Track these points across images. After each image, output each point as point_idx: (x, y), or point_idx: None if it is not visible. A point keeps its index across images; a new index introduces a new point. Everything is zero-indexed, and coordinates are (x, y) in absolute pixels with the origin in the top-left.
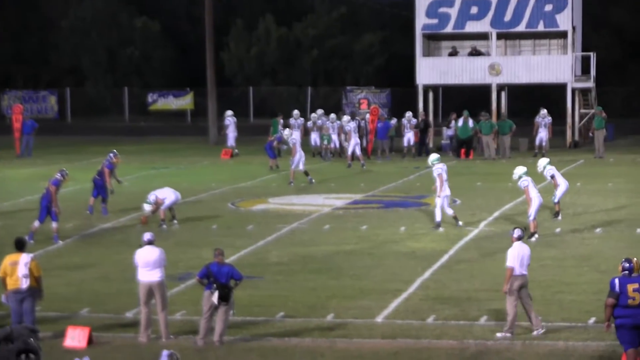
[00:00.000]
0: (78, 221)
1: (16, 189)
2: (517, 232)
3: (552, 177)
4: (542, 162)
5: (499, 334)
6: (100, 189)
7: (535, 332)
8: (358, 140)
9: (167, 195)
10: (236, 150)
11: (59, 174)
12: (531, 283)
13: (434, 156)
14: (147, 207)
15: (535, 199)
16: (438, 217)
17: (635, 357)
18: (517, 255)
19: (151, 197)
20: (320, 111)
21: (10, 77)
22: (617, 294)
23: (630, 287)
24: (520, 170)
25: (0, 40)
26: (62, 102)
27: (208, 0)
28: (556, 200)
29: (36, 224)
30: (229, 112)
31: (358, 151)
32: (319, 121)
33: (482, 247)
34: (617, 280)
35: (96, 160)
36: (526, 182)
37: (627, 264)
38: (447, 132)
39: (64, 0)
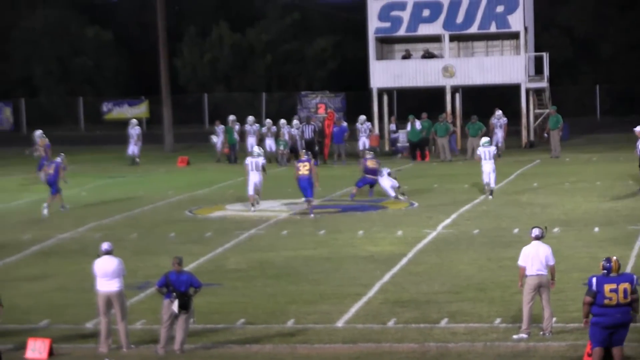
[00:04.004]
0: (35, 232)
1: None
2: (534, 232)
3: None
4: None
5: (515, 336)
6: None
7: (540, 333)
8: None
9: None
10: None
11: (59, 158)
12: (490, 284)
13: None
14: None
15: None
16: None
17: (601, 356)
18: (529, 255)
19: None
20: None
21: None
22: (594, 292)
23: (607, 287)
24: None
25: None
26: (17, 113)
27: (160, 6)
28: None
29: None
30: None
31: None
32: (274, 127)
33: (441, 250)
34: (594, 280)
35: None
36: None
37: (607, 264)
38: (394, 135)
39: (14, 10)
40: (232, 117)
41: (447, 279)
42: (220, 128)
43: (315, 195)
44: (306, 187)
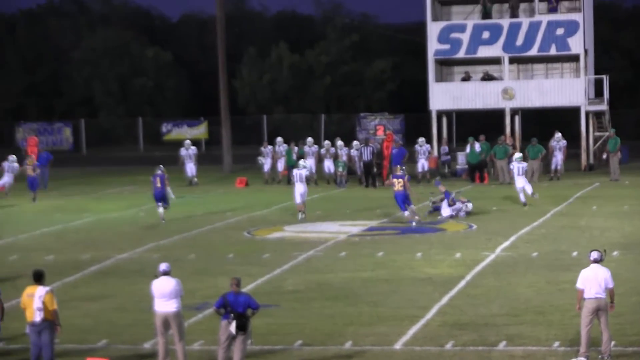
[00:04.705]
0: (94, 252)
1: (32, 221)
2: (593, 255)
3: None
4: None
5: (573, 359)
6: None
7: (599, 357)
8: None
9: None
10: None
11: (160, 170)
12: (549, 307)
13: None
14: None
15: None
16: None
17: None
18: (587, 278)
19: None
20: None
21: (24, 109)
22: None
23: None
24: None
25: (13, 72)
26: (77, 133)
27: (220, 28)
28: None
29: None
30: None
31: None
32: (332, 149)
33: (499, 272)
34: None
35: (111, 191)
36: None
37: None
38: (445, 157)
39: (76, 31)
40: (279, 139)
41: (506, 302)
42: (268, 150)
43: (380, 215)
44: (400, 202)
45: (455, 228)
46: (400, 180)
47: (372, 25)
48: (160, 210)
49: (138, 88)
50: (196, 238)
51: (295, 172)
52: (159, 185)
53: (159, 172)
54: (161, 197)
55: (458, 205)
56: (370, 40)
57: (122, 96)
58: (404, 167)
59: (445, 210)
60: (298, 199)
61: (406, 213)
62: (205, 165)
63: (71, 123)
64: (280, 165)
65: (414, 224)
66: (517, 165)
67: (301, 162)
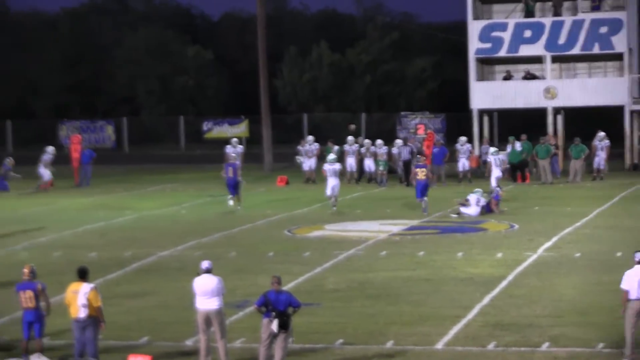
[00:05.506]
0: (136, 249)
1: (75, 218)
2: (638, 256)
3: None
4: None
5: None
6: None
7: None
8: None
9: None
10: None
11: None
12: (593, 308)
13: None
14: None
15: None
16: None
17: None
18: (632, 279)
19: None
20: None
21: (67, 107)
22: None
23: None
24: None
25: (56, 70)
26: (119, 131)
27: (261, 27)
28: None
29: None
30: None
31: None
32: (372, 147)
33: (542, 273)
34: None
35: (153, 189)
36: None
37: None
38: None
39: (118, 30)
40: (310, 137)
41: (549, 302)
42: (304, 149)
43: (415, 216)
44: (419, 189)
45: (497, 228)
46: (424, 169)
47: (413, 24)
48: (231, 202)
49: (179, 87)
50: (237, 236)
51: (328, 167)
52: (231, 174)
53: (232, 161)
54: (234, 185)
55: (482, 201)
56: (411, 39)
57: (164, 95)
58: (424, 157)
59: (473, 209)
60: (329, 192)
61: (422, 202)
62: (245, 164)
63: (113, 121)
64: (313, 163)
65: (425, 213)
66: (494, 157)
67: (331, 155)
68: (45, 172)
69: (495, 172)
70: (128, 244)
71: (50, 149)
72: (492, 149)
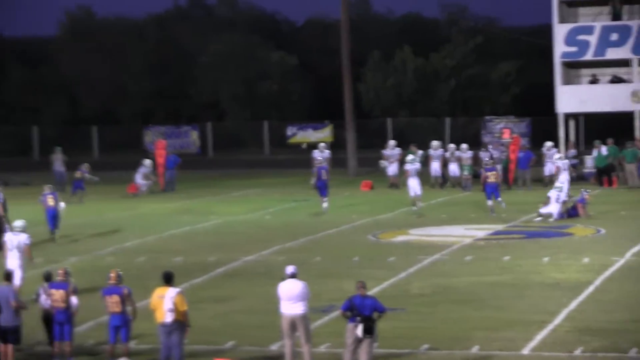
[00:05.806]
0: (221, 254)
1: (160, 223)
2: None
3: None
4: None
5: None
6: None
7: None
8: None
9: None
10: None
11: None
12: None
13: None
14: None
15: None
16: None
17: None
18: None
19: None
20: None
21: (152, 113)
22: None
23: None
24: None
25: (141, 76)
26: (203, 137)
27: (344, 32)
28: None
29: None
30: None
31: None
32: (457, 152)
33: (630, 278)
34: None
35: (237, 194)
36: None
37: None
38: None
39: (202, 35)
40: (392, 142)
41: (637, 308)
42: (388, 152)
43: (500, 220)
44: (491, 191)
45: (583, 233)
46: (494, 172)
47: (497, 28)
48: (325, 205)
49: (263, 92)
50: (322, 241)
51: (409, 166)
52: (324, 177)
53: (322, 165)
54: (324, 187)
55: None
56: (495, 43)
57: (248, 100)
58: (493, 159)
59: (553, 206)
60: (411, 192)
61: (489, 203)
62: (330, 168)
63: (198, 126)
64: (395, 168)
65: (493, 214)
66: (561, 162)
67: (409, 157)
68: (143, 183)
69: (564, 176)
70: (213, 249)
71: (148, 162)
72: (557, 155)
